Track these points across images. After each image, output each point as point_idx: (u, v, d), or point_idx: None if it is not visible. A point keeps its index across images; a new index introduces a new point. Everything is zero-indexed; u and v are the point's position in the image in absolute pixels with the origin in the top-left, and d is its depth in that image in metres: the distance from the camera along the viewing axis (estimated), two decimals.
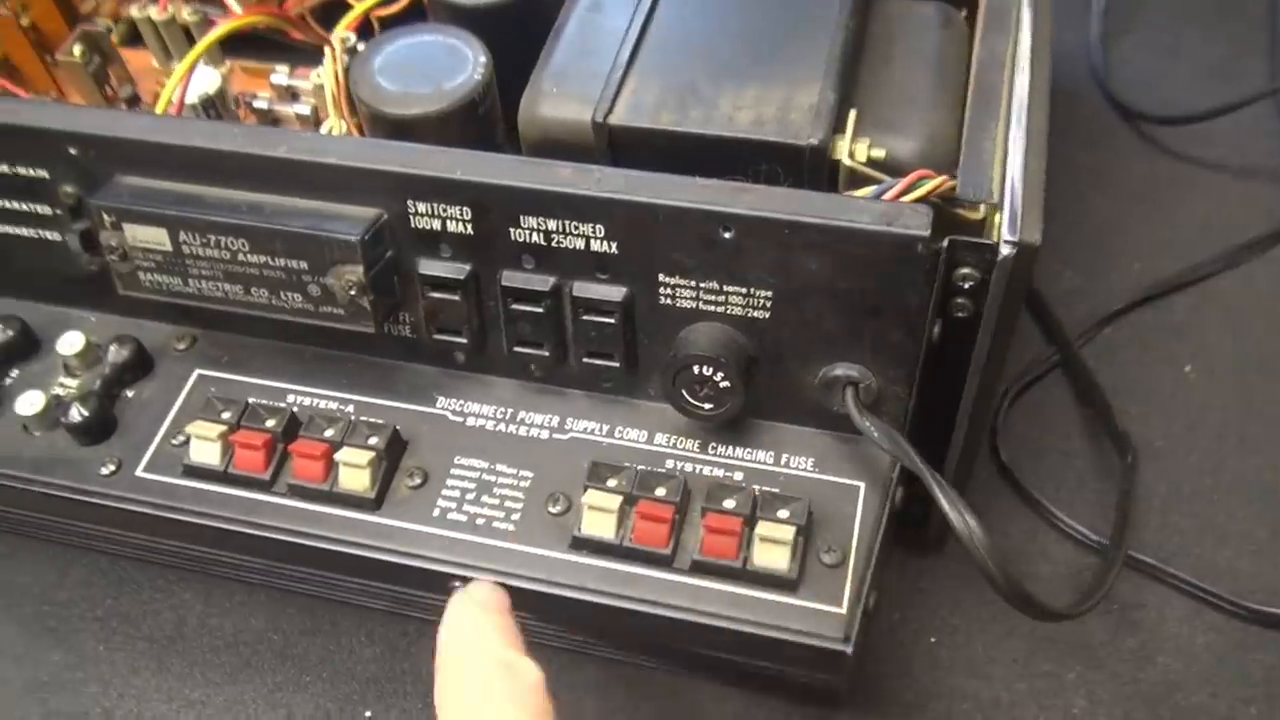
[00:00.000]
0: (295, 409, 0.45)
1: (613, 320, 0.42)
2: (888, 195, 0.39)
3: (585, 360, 0.43)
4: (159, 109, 0.47)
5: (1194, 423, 0.55)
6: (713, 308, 0.41)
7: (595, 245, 0.40)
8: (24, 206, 0.45)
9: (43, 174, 0.44)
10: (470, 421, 0.45)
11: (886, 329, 0.40)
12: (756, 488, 0.42)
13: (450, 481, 0.43)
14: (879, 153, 0.42)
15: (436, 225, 0.41)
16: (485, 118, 0.46)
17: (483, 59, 0.45)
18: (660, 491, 0.41)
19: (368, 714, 0.48)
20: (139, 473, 0.44)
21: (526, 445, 0.44)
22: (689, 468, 0.43)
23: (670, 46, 0.45)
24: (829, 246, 0.38)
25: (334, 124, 0.47)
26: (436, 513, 0.43)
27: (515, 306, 0.42)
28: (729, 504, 0.41)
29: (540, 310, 0.42)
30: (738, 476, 0.43)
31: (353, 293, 0.41)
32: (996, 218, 0.38)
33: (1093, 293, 0.60)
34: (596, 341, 0.43)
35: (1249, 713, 0.47)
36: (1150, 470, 0.54)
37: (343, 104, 0.47)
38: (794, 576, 0.40)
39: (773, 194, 0.38)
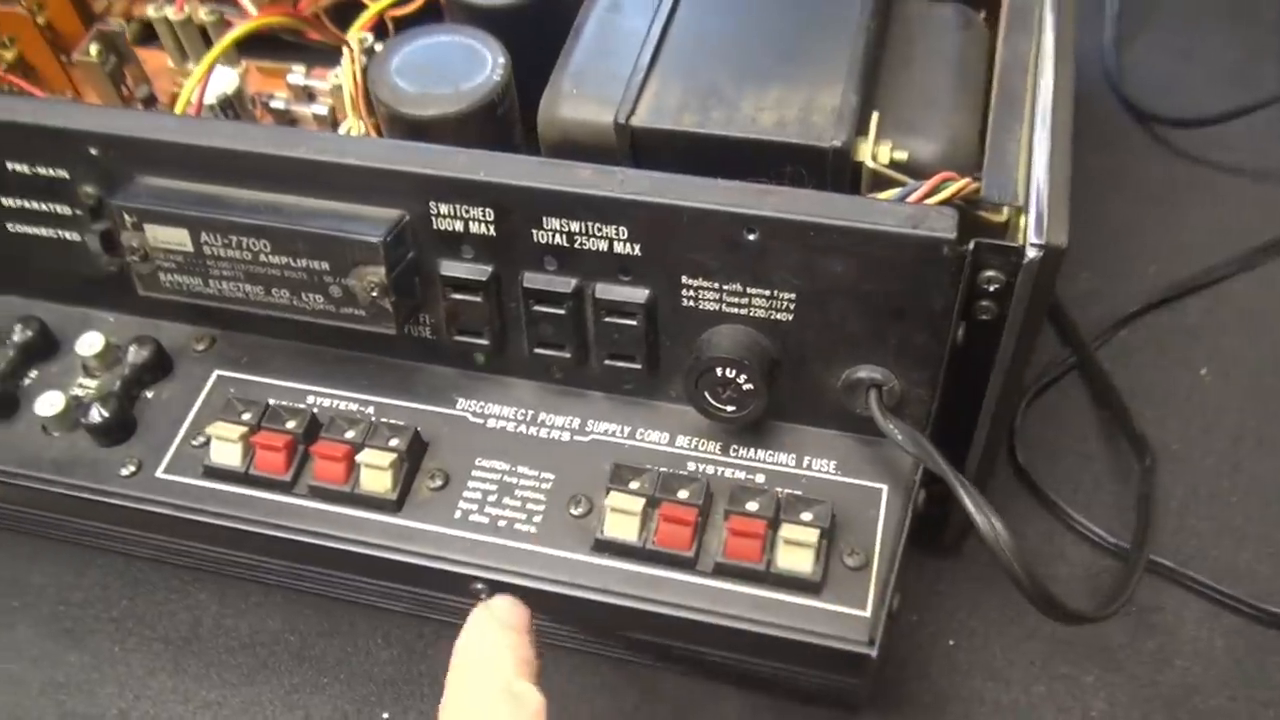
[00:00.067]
0: (315, 410, 0.45)
1: (635, 322, 0.42)
2: (912, 197, 0.39)
3: (607, 362, 0.43)
4: (178, 109, 0.47)
5: (1210, 425, 0.55)
6: (736, 310, 0.41)
7: (618, 247, 0.40)
8: (44, 207, 0.45)
9: (63, 174, 0.44)
10: (491, 423, 0.45)
11: (910, 332, 0.39)
12: (779, 490, 0.42)
13: (471, 483, 0.43)
14: (901, 155, 0.42)
15: (459, 226, 0.41)
16: (504, 119, 0.46)
17: (501, 60, 0.45)
18: (683, 494, 0.41)
19: (385, 716, 0.48)
20: (159, 474, 0.44)
21: (547, 447, 0.44)
22: (711, 470, 0.43)
23: (691, 48, 0.45)
24: (854, 249, 0.38)
25: (352, 124, 0.47)
26: (458, 514, 0.43)
27: (537, 308, 0.42)
28: (752, 506, 0.40)
29: (562, 312, 0.42)
30: (759, 479, 0.43)
31: (374, 294, 0.41)
32: (1021, 220, 0.38)
33: (1108, 295, 0.60)
34: (618, 343, 0.42)
35: (1268, 716, 0.47)
36: (1167, 473, 0.53)
37: (361, 105, 0.47)
38: (818, 579, 0.40)
39: (797, 196, 0.38)
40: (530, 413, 0.45)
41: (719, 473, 0.43)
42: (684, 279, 0.40)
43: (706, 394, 0.42)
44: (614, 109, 0.43)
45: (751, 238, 0.38)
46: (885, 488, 0.42)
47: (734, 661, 0.43)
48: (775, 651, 0.40)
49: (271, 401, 0.45)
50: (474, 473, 0.44)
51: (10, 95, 0.52)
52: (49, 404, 0.46)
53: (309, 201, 0.41)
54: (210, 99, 0.50)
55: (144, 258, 0.43)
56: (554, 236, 0.40)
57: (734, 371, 0.41)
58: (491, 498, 0.43)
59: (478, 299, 0.42)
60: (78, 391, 0.47)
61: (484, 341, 0.44)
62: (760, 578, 0.40)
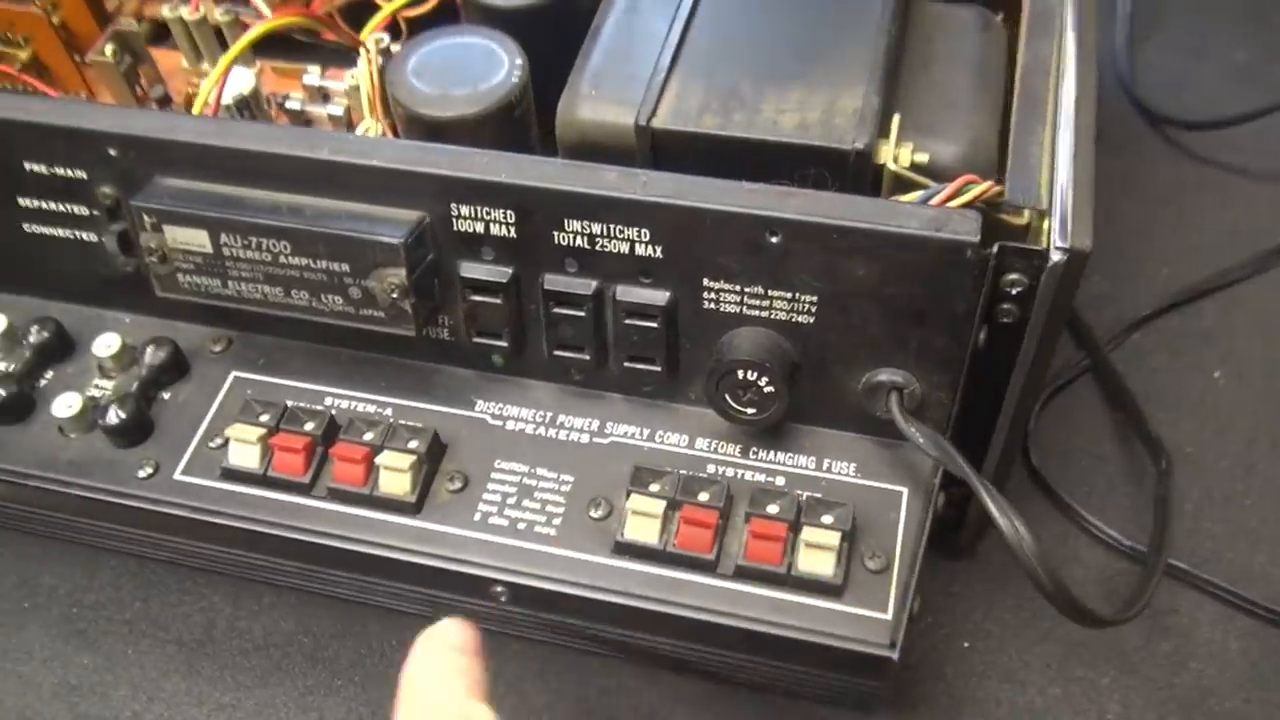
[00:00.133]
0: (334, 412, 0.44)
1: (655, 324, 0.42)
2: (935, 200, 0.39)
3: (626, 364, 0.43)
4: (195, 110, 0.47)
5: (1224, 428, 0.55)
6: (757, 312, 0.41)
7: (639, 249, 0.40)
8: (61, 207, 0.45)
9: (81, 175, 0.44)
10: (510, 425, 0.45)
11: (932, 335, 0.39)
12: (800, 493, 0.42)
13: (491, 485, 0.43)
14: (923, 157, 0.42)
15: (479, 228, 0.41)
16: (521, 120, 0.45)
17: (519, 61, 0.45)
18: (703, 496, 0.41)
19: None
20: (177, 475, 0.44)
21: (567, 449, 0.44)
22: (731, 473, 0.43)
23: (712, 50, 0.45)
24: (877, 251, 0.38)
25: (370, 125, 0.47)
26: (478, 517, 0.42)
27: (557, 310, 0.42)
28: (773, 509, 0.40)
29: (582, 314, 0.42)
30: (780, 482, 0.43)
31: (394, 295, 0.41)
32: (1044, 224, 0.38)
33: (1121, 298, 0.60)
34: (638, 345, 0.42)
35: None
36: (1181, 475, 0.53)
37: (378, 105, 0.47)
38: (839, 582, 0.40)
39: (820, 199, 0.38)
40: (549, 415, 0.45)
41: (739, 475, 0.43)
42: (705, 281, 0.40)
43: (727, 396, 0.42)
44: (633, 111, 0.43)
45: (774, 240, 0.38)
46: (905, 490, 0.42)
47: (753, 664, 0.43)
48: (796, 654, 0.40)
49: (290, 403, 0.45)
50: (493, 475, 0.43)
51: (28, 95, 0.52)
52: (66, 405, 0.46)
53: (329, 203, 0.41)
54: (227, 99, 0.50)
55: (162, 259, 0.43)
56: (575, 238, 0.40)
57: (755, 374, 0.41)
58: (511, 500, 0.43)
59: (497, 300, 0.42)
60: (94, 393, 0.47)
61: (503, 343, 0.44)
62: (781, 580, 0.40)
